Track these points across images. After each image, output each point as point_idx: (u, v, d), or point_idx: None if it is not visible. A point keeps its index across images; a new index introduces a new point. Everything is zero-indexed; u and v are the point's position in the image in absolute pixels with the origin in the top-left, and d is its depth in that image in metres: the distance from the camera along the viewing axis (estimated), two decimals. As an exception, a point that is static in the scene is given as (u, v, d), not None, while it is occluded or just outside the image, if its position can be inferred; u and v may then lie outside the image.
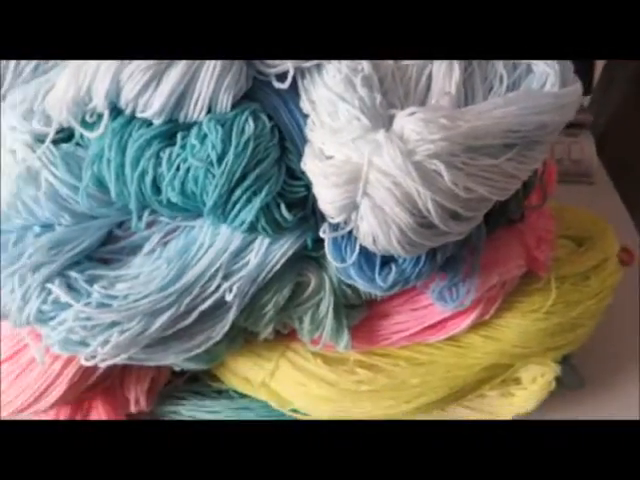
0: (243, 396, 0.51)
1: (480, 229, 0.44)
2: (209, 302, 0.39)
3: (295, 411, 0.50)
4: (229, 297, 0.39)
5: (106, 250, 0.41)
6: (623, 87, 1.09)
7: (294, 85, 0.39)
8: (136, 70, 0.35)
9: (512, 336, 0.49)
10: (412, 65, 0.40)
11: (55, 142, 0.40)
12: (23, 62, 0.40)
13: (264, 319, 0.42)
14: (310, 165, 0.36)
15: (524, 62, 0.42)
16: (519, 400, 0.52)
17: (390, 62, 0.39)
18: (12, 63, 0.40)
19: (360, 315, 0.46)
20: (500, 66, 0.42)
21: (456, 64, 0.40)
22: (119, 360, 0.39)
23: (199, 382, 0.52)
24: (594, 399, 0.61)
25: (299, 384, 0.48)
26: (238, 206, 0.36)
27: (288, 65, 0.37)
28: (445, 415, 0.51)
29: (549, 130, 0.39)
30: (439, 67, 0.40)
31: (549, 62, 0.41)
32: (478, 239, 0.44)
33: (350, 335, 0.46)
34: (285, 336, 0.48)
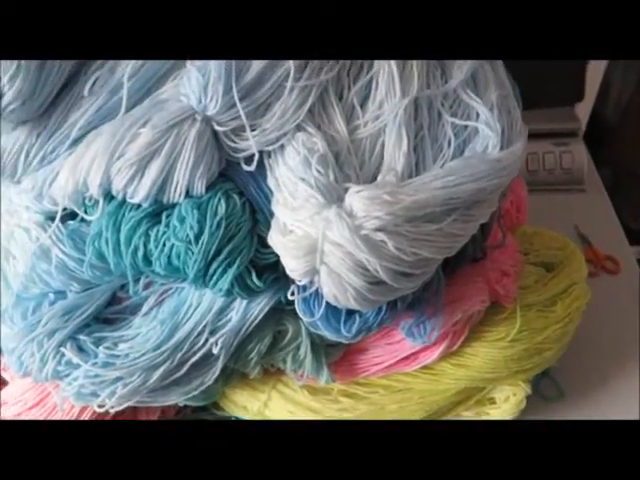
0: (244, 422, 0.58)
1: (439, 274, 0.49)
2: (198, 355, 0.45)
3: (289, 435, 0.56)
4: (215, 350, 0.45)
5: (111, 311, 0.48)
6: (627, 91, 1.10)
7: (262, 162, 0.44)
8: (123, 166, 0.41)
9: (480, 363, 0.54)
10: (366, 138, 0.45)
11: (63, 219, 0.47)
12: (32, 154, 0.47)
13: (250, 364, 0.48)
14: (275, 240, 0.41)
15: (471, 124, 0.47)
16: (493, 418, 0.57)
17: (345, 136, 0.44)
18: (22, 154, 0.47)
19: (338, 352, 0.52)
20: (449, 129, 0.47)
21: (404, 134, 0.44)
22: (125, 406, 0.46)
23: (205, 411, 0.59)
24: (575, 410, 0.65)
25: (289, 412, 0.54)
26: (215, 277, 0.42)
27: (254, 150, 0.42)
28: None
29: (488, 192, 0.43)
30: (390, 137, 0.45)
31: (492, 124, 0.46)
32: (438, 283, 0.49)
33: (330, 370, 0.51)
34: (276, 370, 0.54)
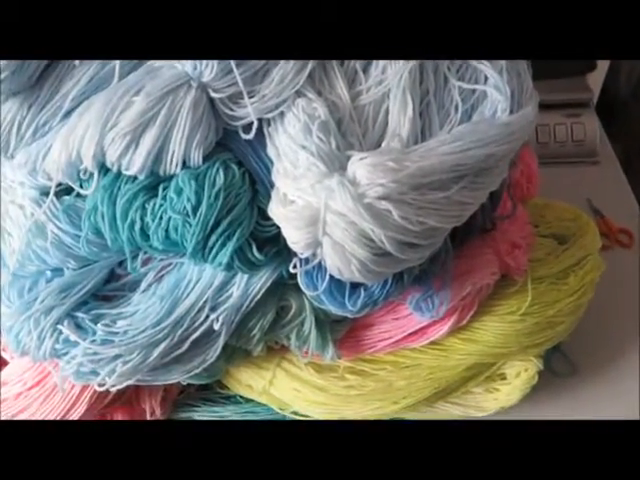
0: (248, 401, 0.57)
1: (447, 246, 0.47)
2: (199, 331, 0.44)
3: (295, 413, 0.55)
4: (217, 326, 0.44)
5: (109, 288, 0.46)
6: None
7: (262, 131, 0.43)
8: (116, 136, 0.40)
9: (490, 338, 0.52)
10: (369, 104, 0.43)
11: (58, 194, 0.45)
12: (24, 126, 0.45)
13: (253, 340, 0.47)
14: (275, 211, 0.40)
15: (480, 88, 0.45)
16: (503, 394, 0.55)
17: (348, 102, 0.43)
18: (15, 127, 0.45)
19: (344, 328, 0.51)
20: (456, 93, 0.45)
21: (409, 99, 0.42)
22: (126, 384, 0.44)
23: (209, 390, 0.58)
24: (586, 386, 0.63)
25: (295, 390, 0.53)
26: (214, 250, 0.40)
27: (252, 117, 0.41)
28: (433, 412, 0.55)
29: (498, 158, 0.41)
30: (394, 102, 0.43)
31: (501, 87, 0.44)
32: (446, 255, 0.47)
33: (336, 347, 0.50)
34: (280, 347, 0.53)
